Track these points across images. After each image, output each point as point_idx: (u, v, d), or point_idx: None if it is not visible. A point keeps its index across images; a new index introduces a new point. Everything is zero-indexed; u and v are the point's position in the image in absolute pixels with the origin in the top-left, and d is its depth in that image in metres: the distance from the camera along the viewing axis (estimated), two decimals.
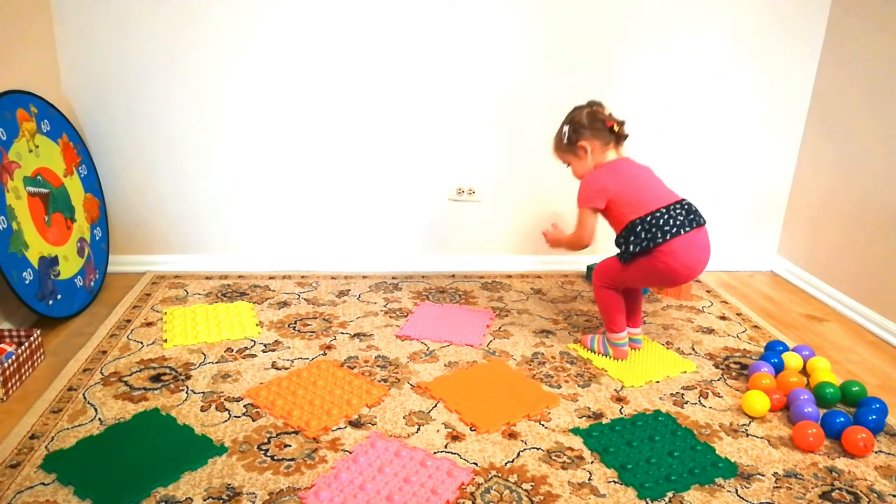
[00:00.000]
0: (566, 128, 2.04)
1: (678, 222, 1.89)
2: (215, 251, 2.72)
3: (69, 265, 2.24)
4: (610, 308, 2.06)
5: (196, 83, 2.49)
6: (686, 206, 1.95)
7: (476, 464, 1.56)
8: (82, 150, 2.43)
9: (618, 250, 2.00)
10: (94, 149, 2.52)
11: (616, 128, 2.01)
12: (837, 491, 1.52)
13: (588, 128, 2.01)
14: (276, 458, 1.55)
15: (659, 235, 1.88)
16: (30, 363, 1.89)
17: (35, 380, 1.87)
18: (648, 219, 1.90)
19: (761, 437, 1.71)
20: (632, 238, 1.92)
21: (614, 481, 1.52)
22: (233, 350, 2.05)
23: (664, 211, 1.91)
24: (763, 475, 1.56)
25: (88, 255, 2.38)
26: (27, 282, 2.02)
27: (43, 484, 1.43)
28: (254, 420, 1.69)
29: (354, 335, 2.18)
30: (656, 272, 1.94)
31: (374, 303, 2.45)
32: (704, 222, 1.96)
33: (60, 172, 2.28)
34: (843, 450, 1.66)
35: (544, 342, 2.19)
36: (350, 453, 1.57)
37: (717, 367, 2.08)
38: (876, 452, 1.67)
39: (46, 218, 2.16)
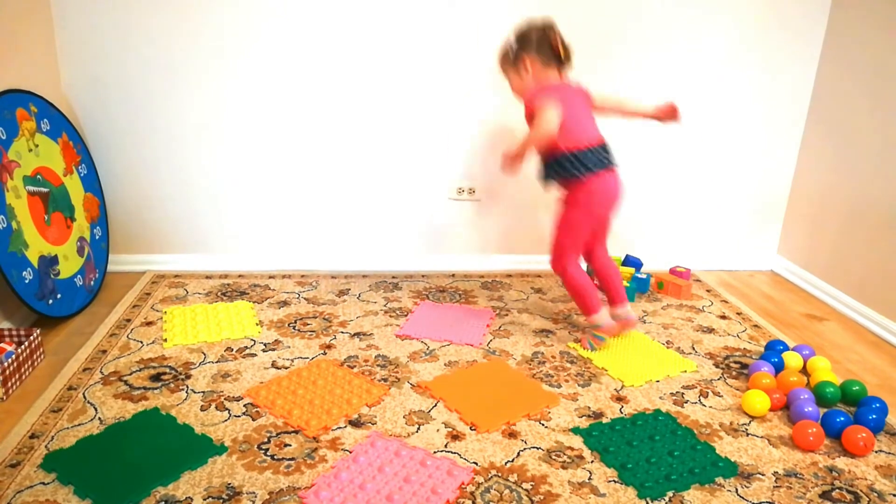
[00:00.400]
0: (513, 42, 2.06)
1: (599, 161, 2.00)
2: (215, 251, 2.72)
3: (69, 264, 2.24)
4: (580, 291, 2.10)
5: (196, 82, 2.49)
6: (607, 149, 2.04)
7: (476, 463, 1.56)
8: (82, 150, 2.43)
9: (539, 172, 2.09)
10: (94, 148, 2.52)
11: (562, 53, 2.03)
12: (837, 490, 1.52)
13: (535, 47, 2.02)
14: (276, 457, 1.55)
15: (582, 170, 1.97)
16: (30, 362, 1.89)
17: (35, 379, 1.87)
18: (578, 155, 1.98)
19: (761, 437, 1.71)
20: (556, 168, 2.02)
21: (614, 481, 1.52)
22: (233, 349, 2.05)
23: (593, 151, 1.99)
24: (763, 474, 1.56)
25: (88, 254, 2.37)
26: (27, 281, 2.02)
27: (43, 483, 1.43)
28: (254, 419, 1.69)
29: (354, 334, 2.18)
30: (583, 207, 2.03)
31: (374, 302, 2.45)
32: (616, 165, 2.05)
33: (60, 171, 2.28)
34: (844, 449, 1.66)
35: (544, 342, 2.19)
36: (350, 453, 1.57)
37: (717, 366, 2.08)
38: (876, 452, 1.67)
39: (46, 217, 2.16)
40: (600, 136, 2.06)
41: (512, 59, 2.06)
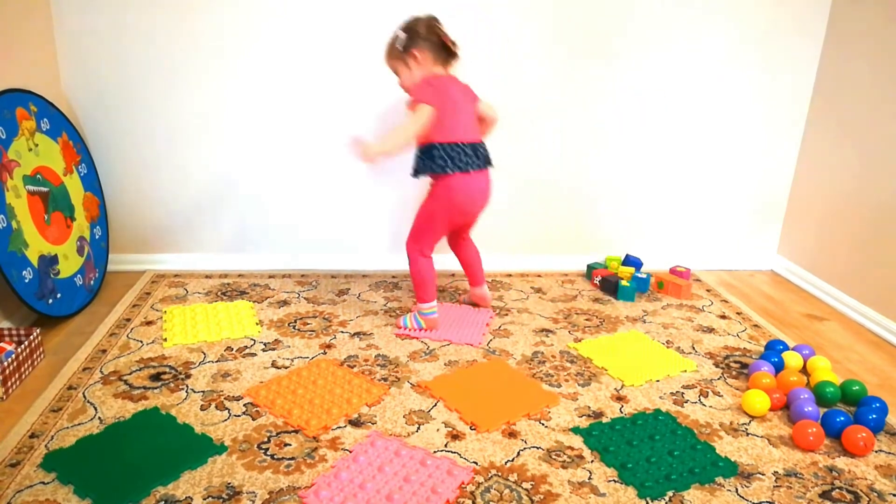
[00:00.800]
0: (402, 35, 2.07)
1: (468, 161, 2.05)
2: (215, 250, 2.72)
3: (69, 264, 2.24)
4: (426, 279, 2.17)
5: (196, 81, 2.49)
6: (481, 150, 2.11)
7: (476, 463, 1.55)
8: (82, 149, 2.43)
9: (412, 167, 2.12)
10: (94, 147, 2.52)
11: (449, 45, 2.07)
12: (837, 490, 1.52)
13: (424, 39, 2.05)
14: (275, 457, 1.55)
15: (451, 166, 2.03)
16: (29, 362, 1.89)
17: (35, 379, 1.87)
18: (450, 149, 2.02)
19: (761, 437, 1.71)
20: (425, 159, 2.06)
21: (614, 480, 1.52)
22: (233, 349, 2.05)
23: (465, 148, 2.05)
24: (763, 474, 1.56)
25: (88, 253, 2.37)
26: (27, 280, 2.02)
27: (43, 483, 1.43)
28: (254, 419, 1.69)
29: (354, 334, 2.18)
30: (443, 202, 2.09)
31: (373, 301, 2.45)
32: (489, 166, 2.13)
33: (60, 171, 2.27)
34: (844, 449, 1.66)
35: (544, 341, 2.19)
36: (350, 452, 1.57)
37: (717, 366, 2.08)
38: (876, 452, 1.67)
39: (46, 217, 2.16)
40: (477, 135, 2.13)
41: (400, 53, 2.07)
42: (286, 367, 1.96)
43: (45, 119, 2.23)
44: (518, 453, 1.60)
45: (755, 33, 2.68)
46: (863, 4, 2.52)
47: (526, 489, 1.47)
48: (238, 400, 1.77)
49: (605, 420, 1.75)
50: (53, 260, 2.16)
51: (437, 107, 2.01)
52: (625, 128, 2.74)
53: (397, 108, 2.60)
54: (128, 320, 2.22)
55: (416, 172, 2.11)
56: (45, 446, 1.55)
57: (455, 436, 1.65)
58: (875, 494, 1.52)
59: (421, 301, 2.19)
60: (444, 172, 2.04)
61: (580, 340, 2.20)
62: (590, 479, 1.52)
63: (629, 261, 2.78)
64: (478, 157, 2.09)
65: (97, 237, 2.46)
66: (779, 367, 2.00)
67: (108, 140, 2.53)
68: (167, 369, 1.92)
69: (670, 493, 1.48)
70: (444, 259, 2.82)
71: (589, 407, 1.81)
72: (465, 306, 2.44)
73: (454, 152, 2.04)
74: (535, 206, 2.81)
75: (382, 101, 2.59)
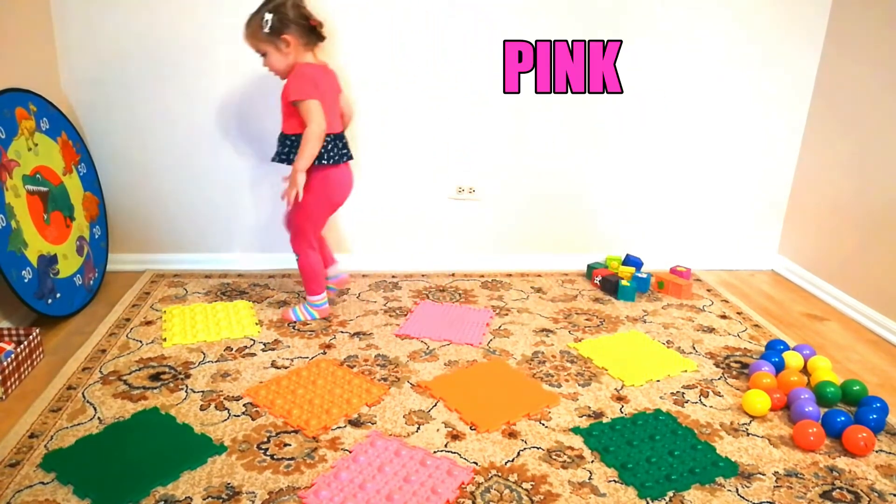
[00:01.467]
0: (270, 16, 1.96)
1: (340, 154, 2.09)
2: (215, 250, 2.72)
3: (68, 264, 2.24)
4: (311, 274, 2.22)
5: (195, 81, 2.49)
6: (344, 141, 2.14)
7: (476, 463, 1.55)
8: (81, 149, 2.43)
9: (281, 151, 2.09)
10: (94, 147, 2.52)
11: (318, 28, 2.04)
12: (838, 490, 1.52)
13: (293, 22, 1.99)
14: (275, 457, 1.54)
15: (325, 158, 2.04)
16: (29, 362, 1.89)
17: (34, 379, 1.86)
18: (324, 140, 2.03)
19: (762, 437, 1.71)
20: (298, 148, 2.02)
21: (614, 480, 1.51)
22: (232, 349, 2.05)
23: (332, 138, 2.07)
24: (763, 474, 1.56)
25: (87, 253, 2.37)
26: (26, 280, 2.01)
27: (42, 483, 1.43)
28: (253, 419, 1.69)
29: (354, 334, 2.18)
30: (321, 193, 2.10)
31: (373, 301, 2.44)
32: (351, 158, 2.17)
33: (59, 171, 2.27)
34: (844, 449, 1.66)
35: (544, 341, 2.19)
36: (350, 452, 1.57)
37: (717, 366, 2.08)
38: (877, 452, 1.67)
39: (45, 216, 2.16)
40: (341, 125, 2.15)
41: (269, 35, 1.98)
42: (286, 367, 1.95)
43: (45, 119, 2.23)
44: (518, 453, 1.59)
45: (755, 33, 2.68)
46: (863, 4, 2.52)
47: (526, 489, 1.47)
48: (238, 400, 1.77)
49: (605, 420, 1.75)
50: (53, 260, 2.16)
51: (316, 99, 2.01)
52: (625, 128, 2.74)
53: (397, 106, 2.60)
54: (127, 320, 2.22)
55: (284, 160, 2.07)
56: (45, 446, 1.55)
57: (455, 436, 1.65)
58: (876, 494, 1.51)
59: (312, 294, 2.24)
60: (318, 164, 2.05)
61: (580, 340, 2.20)
62: (590, 479, 1.52)
63: (629, 261, 2.78)
64: (345, 149, 2.13)
65: (96, 237, 2.46)
66: (779, 366, 2.00)
67: (107, 140, 2.52)
68: (167, 369, 1.91)
69: (670, 494, 1.48)
70: (442, 258, 2.83)
71: (589, 407, 1.81)
72: (464, 305, 2.44)
73: (329, 144, 2.05)
74: (535, 205, 2.81)
75: (382, 100, 2.59)
